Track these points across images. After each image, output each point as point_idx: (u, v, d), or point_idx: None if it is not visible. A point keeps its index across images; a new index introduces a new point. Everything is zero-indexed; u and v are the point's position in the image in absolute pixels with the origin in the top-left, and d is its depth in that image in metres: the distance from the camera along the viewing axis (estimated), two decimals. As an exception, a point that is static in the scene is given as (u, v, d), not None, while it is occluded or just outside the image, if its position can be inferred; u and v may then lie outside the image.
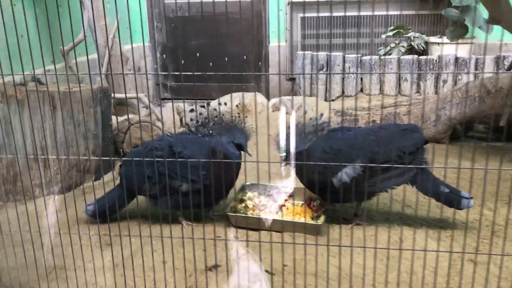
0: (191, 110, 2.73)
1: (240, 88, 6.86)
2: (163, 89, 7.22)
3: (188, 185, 2.55)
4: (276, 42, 6.52)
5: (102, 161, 2.99)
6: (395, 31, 5.94)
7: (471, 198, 2.46)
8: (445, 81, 5.51)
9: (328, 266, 1.95)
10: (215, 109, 2.79)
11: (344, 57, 5.76)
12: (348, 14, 6.06)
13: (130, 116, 4.04)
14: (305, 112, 2.66)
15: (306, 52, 5.91)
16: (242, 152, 2.69)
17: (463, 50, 5.70)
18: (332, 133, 2.64)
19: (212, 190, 2.48)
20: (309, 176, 2.58)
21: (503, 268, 2.22)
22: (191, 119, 2.76)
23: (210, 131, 2.69)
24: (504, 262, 2.25)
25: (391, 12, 6.12)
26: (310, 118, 2.75)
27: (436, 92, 5.61)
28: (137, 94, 3.53)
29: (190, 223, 2.75)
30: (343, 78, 5.90)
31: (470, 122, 4.04)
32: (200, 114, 2.75)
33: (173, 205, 2.62)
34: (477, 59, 5.28)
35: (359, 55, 5.81)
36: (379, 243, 2.51)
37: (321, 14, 6.20)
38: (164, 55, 7.13)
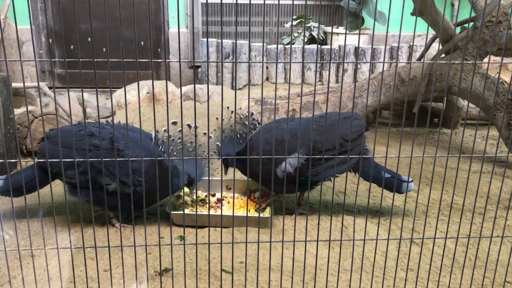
0: (174, 122, 2.41)
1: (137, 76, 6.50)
2: (49, 77, 6.57)
3: (117, 187, 2.30)
4: (176, 28, 6.27)
5: (6, 161, 2.59)
6: (298, 21, 6.07)
7: (411, 181, 2.58)
8: (345, 70, 5.77)
9: (282, 259, 1.90)
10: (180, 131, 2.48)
11: (250, 45, 5.74)
12: (253, 2, 6.03)
13: (30, 108, 3.58)
14: (232, 112, 2.57)
15: (211, 39, 5.77)
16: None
17: (357, 41, 6.01)
18: (275, 123, 2.58)
19: (144, 196, 2.23)
20: (253, 169, 2.50)
21: (440, 246, 2.37)
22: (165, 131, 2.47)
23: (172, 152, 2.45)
24: (441, 241, 2.40)
25: (287, 2, 6.22)
26: (241, 118, 2.65)
27: (337, 81, 5.86)
28: (38, 82, 3.12)
29: (126, 225, 2.51)
30: (249, 67, 5.86)
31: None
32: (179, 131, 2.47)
33: (96, 201, 2.37)
34: (373, 49, 5.60)
35: (265, 44, 5.83)
36: (325, 230, 2.53)
37: (224, 1, 6.07)
38: (50, 40, 6.47)
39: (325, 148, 2.49)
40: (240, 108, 4.23)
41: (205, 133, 2.50)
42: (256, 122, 2.66)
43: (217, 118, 2.47)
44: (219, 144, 2.60)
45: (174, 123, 2.36)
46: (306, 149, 2.48)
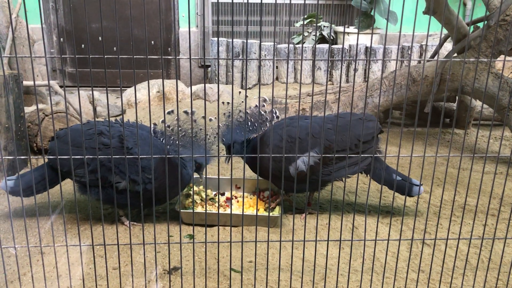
0: (170, 112, 2.45)
1: (147, 74, 6.52)
2: (60, 76, 6.61)
3: (127, 184, 2.29)
4: (186, 27, 6.27)
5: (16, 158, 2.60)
6: (308, 20, 6.04)
7: (421, 185, 2.55)
8: (356, 70, 5.74)
9: (292, 259, 1.88)
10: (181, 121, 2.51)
11: (260, 44, 5.72)
12: (264, 1, 6.02)
13: (40, 106, 3.59)
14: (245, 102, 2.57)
15: (221, 39, 5.76)
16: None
17: (368, 40, 5.97)
18: (289, 121, 2.57)
19: (153, 194, 2.23)
20: (265, 165, 2.48)
21: (452, 248, 2.34)
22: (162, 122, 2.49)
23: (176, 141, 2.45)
24: (453, 242, 2.37)
25: (298, 1, 6.19)
26: (255, 106, 2.65)
27: (348, 81, 5.82)
28: (48, 80, 3.13)
29: (135, 223, 2.51)
30: (259, 66, 5.84)
31: (388, 109, 4.24)
32: (179, 127, 2.49)
33: (105, 199, 2.37)
34: (385, 49, 5.56)
35: (276, 43, 5.81)
36: (335, 230, 2.51)
37: (235, 0, 6.07)
38: (62, 39, 6.51)
39: (339, 148, 2.47)
40: (250, 107, 4.22)
41: (203, 117, 2.50)
42: (274, 115, 2.64)
43: (228, 103, 2.45)
44: (224, 128, 2.58)
45: (170, 112, 2.38)
46: (321, 148, 2.46)
